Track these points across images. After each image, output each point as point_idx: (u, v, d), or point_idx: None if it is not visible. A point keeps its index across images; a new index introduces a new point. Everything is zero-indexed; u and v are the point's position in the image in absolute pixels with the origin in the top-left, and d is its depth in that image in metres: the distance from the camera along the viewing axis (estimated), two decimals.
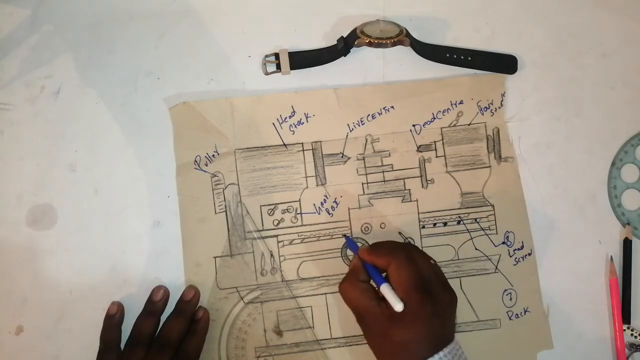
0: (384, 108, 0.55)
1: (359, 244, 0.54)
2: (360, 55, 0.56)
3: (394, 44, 0.53)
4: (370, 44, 0.53)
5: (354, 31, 0.54)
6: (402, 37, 0.53)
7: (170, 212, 0.55)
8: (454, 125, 0.56)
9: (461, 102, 0.56)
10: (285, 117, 0.55)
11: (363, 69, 0.56)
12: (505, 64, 0.56)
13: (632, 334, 0.55)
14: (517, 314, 0.55)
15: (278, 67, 0.55)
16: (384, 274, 0.48)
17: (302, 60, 0.55)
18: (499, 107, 0.56)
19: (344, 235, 0.54)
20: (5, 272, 0.54)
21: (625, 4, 0.57)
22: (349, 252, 0.55)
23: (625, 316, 0.54)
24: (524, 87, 0.56)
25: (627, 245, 0.55)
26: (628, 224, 0.56)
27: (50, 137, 0.55)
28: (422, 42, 0.55)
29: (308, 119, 0.55)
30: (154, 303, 0.53)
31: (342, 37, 0.55)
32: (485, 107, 0.56)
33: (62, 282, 0.54)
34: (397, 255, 0.47)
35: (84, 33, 0.56)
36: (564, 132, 0.56)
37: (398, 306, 0.45)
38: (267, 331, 0.54)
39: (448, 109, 0.56)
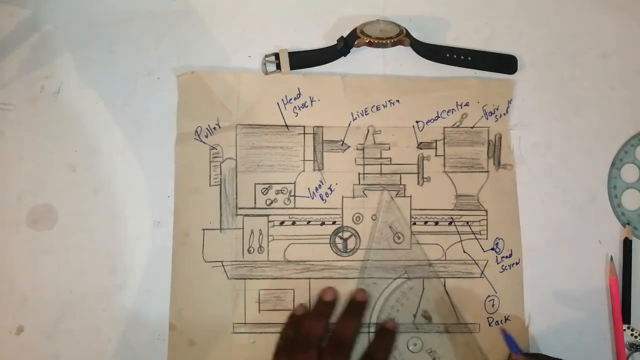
0: (389, 101, 0.55)
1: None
2: (360, 55, 0.56)
3: (394, 44, 0.53)
4: (370, 44, 0.53)
5: (354, 31, 0.54)
6: (402, 37, 0.53)
7: (170, 212, 0.55)
8: (457, 127, 0.56)
9: (467, 104, 0.56)
10: (291, 99, 0.55)
11: (363, 69, 0.56)
12: (505, 64, 0.56)
13: (632, 334, 0.55)
14: (497, 321, 0.55)
15: (278, 67, 0.55)
16: None
17: (302, 60, 0.55)
18: (504, 114, 0.56)
19: (503, 331, 0.53)
20: (5, 272, 0.54)
21: (625, 4, 0.57)
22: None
23: (625, 316, 0.54)
24: (524, 87, 0.56)
25: (627, 245, 0.55)
26: (628, 224, 0.56)
27: (50, 137, 0.55)
28: (422, 42, 0.55)
29: (313, 103, 0.55)
30: (325, 304, 0.51)
31: (342, 37, 0.55)
32: (491, 112, 0.56)
33: (62, 282, 0.54)
34: None
35: (84, 33, 0.56)
36: (564, 132, 0.56)
37: None
38: (247, 308, 0.54)
39: (453, 109, 0.56)
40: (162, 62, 0.56)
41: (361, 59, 0.56)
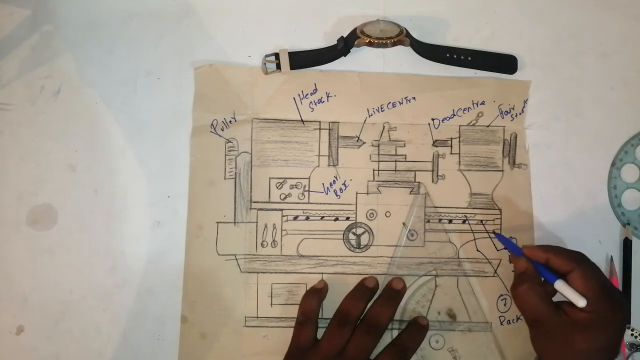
0: (405, 98, 0.56)
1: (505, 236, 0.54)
2: (360, 55, 0.56)
3: (394, 44, 0.53)
4: (370, 44, 0.53)
5: (354, 31, 0.54)
6: (402, 37, 0.53)
7: (170, 212, 0.55)
8: (473, 125, 0.56)
9: (482, 103, 0.56)
10: (307, 94, 0.55)
11: (363, 69, 0.56)
12: (505, 64, 0.56)
13: (632, 334, 0.55)
14: (509, 320, 0.55)
15: (278, 67, 0.55)
16: None
17: (302, 60, 0.55)
18: (520, 113, 0.56)
19: (494, 232, 0.54)
20: (5, 272, 0.54)
21: (625, 3, 0.57)
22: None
23: None
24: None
25: (627, 245, 0.55)
26: (628, 224, 0.56)
27: (50, 137, 0.55)
28: (422, 42, 0.55)
29: (329, 98, 0.55)
30: (367, 288, 0.53)
31: (342, 37, 0.55)
32: (506, 111, 0.56)
33: (62, 282, 0.54)
34: (582, 260, 0.48)
35: (84, 33, 0.56)
36: (564, 132, 0.56)
37: (581, 302, 0.46)
38: (259, 302, 0.54)
39: (469, 107, 0.56)
40: (162, 62, 0.56)
41: (361, 59, 0.56)
